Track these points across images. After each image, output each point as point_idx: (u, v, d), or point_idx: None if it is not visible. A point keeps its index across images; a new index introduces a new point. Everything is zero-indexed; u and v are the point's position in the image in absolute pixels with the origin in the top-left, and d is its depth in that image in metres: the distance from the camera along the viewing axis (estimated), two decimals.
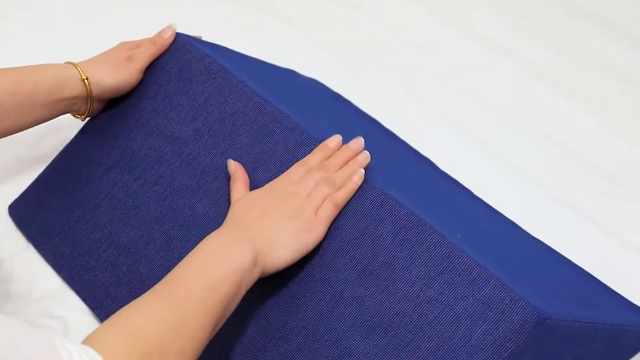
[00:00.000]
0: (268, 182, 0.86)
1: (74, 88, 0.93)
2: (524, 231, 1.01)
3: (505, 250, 0.91)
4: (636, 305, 0.93)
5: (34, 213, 0.98)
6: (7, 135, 0.92)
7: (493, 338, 0.72)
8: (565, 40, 1.37)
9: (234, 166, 0.88)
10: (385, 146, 1.09)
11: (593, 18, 1.41)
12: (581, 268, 0.97)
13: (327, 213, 0.82)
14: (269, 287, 0.83)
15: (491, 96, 1.27)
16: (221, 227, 0.80)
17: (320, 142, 0.87)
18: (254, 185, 0.87)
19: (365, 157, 0.86)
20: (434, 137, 1.18)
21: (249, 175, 0.88)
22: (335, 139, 0.88)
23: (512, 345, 0.71)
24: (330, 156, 0.87)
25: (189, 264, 0.75)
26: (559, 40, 1.37)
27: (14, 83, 0.90)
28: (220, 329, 0.75)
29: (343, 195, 0.83)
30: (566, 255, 0.99)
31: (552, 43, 1.37)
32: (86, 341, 0.64)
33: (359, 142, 0.88)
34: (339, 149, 0.88)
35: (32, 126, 0.94)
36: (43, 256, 0.96)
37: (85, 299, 0.92)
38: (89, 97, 0.95)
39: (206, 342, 0.71)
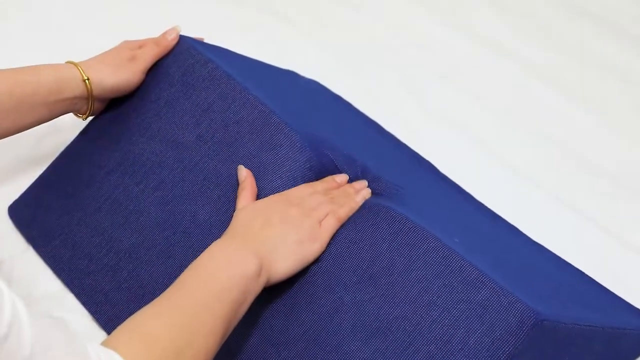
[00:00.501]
0: (270, 192, 0.87)
1: (75, 88, 0.93)
2: (523, 234, 1.01)
3: (504, 252, 0.91)
4: (637, 309, 0.93)
5: (34, 214, 0.98)
6: (7, 136, 0.92)
7: (490, 340, 0.72)
8: (565, 40, 1.37)
9: (244, 173, 0.88)
10: (385, 149, 1.09)
11: (593, 18, 1.40)
12: (581, 271, 0.97)
13: (329, 225, 0.84)
14: (270, 294, 0.83)
15: (491, 96, 1.27)
16: (223, 235, 0.82)
17: (324, 157, 0.87)
18: (256, 194, 0.87)
19: (367, 192, 0.89)
20: (434, 137, 1.18)
21: None
22: (343, 177, 0.91)
23: (509, 347, 0.71)
24: (335, 189, 0.89)
25: (195, 271, 0.76)
26: (559, 40, 1.37)
27: (13, 84, 0.90)
28: None
29: (345, 210, 0.85)
30: (566, 256, 1.00)
31: (552, 43, 1.36)
32: (103, 345, 0.65)
33: (362, 183, 0.91)
34: (343, 185, 0.90)
35: (32, 127, 0.94)
36: (43, 258, 0.96)
37: (84, 303, 0.92)
38: (90, 97, 0.94)
39: (218, 347, 0.73)
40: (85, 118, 0.99)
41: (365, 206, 0.85)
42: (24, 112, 0.91)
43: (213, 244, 0.79)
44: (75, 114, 0.98)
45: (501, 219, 1.03)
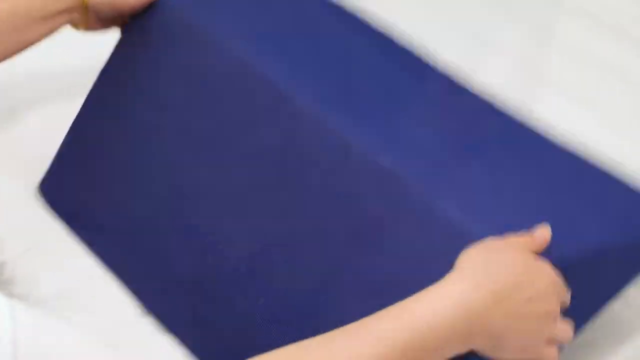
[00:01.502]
0: (250, 148, 0.85)
1: None
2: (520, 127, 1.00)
3: (500, 181, 0.86)
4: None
5: (58, 192, 1.01)
6: (9, 58, 0.92)
7: None
8: (565, 40, 1.37)
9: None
10: (396, 76, 1.07)
11: (593, 18, 1.41)
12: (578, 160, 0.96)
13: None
14: (264, 262, 0.83)
15: (491, 97, 1.27)
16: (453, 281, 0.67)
17: (304, 100, 0.85)
18: (241, 150, 0.87)
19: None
20: None
21: (236, 141, 0.87)
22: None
23: None
24: None
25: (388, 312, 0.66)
26: (559, 40, 1.37)
27: (13, 2, 0.89)
28: (218, 312, 0.75)
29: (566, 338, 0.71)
30: None
31: (552, 43, 1.37)
32: None
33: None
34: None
35: (33, 44, 0.94)
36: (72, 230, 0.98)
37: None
38: (84, 5, 0.94)
39: None
40: (84, 29, 0.98)
41: (352, 157, 0.80)
42: (25, 29, 0.91)
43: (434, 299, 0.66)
44: (74, 26, 0.98)
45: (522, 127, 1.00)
